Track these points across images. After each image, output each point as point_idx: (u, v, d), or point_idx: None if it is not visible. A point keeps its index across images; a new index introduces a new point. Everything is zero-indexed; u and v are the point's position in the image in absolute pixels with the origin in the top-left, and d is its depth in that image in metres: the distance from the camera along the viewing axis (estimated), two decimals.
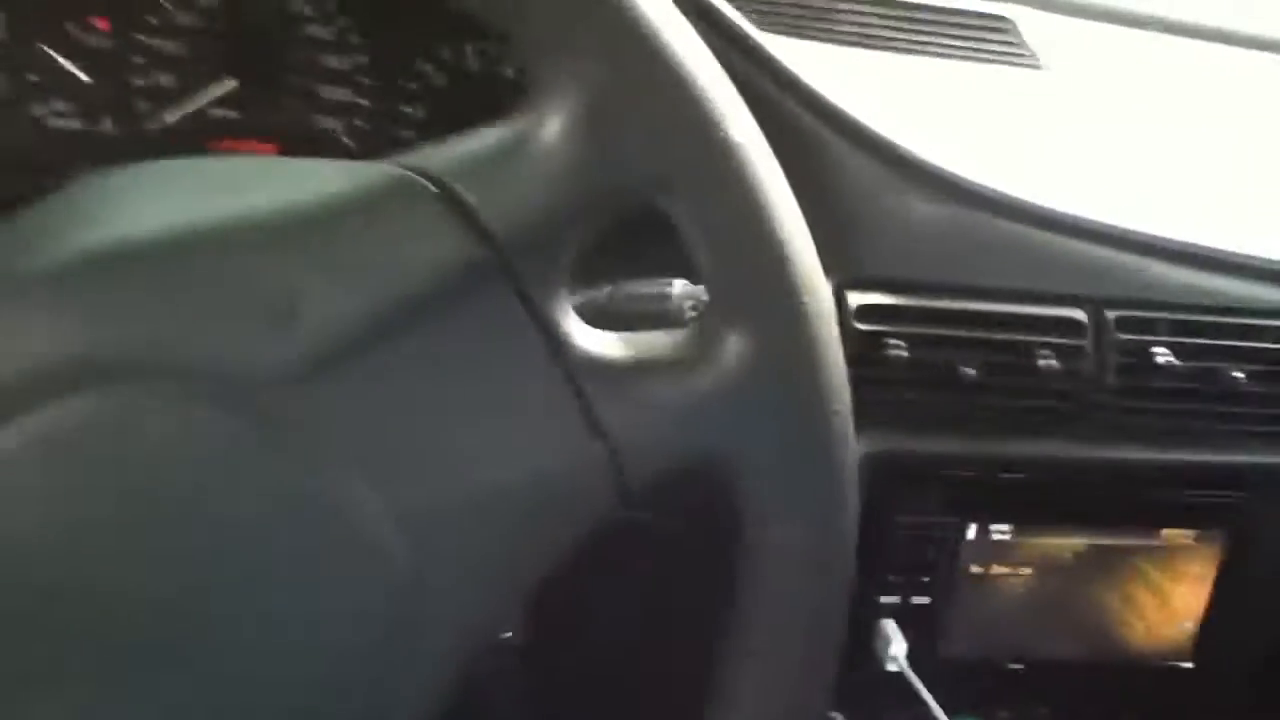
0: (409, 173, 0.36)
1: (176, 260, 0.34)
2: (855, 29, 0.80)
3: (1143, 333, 0.62)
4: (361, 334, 0.34)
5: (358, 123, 0.64)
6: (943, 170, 0.60)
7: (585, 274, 0.47)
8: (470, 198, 0.35)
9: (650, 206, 0.37)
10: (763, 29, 0.61)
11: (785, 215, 0.38)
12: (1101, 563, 0.66)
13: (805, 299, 0.38)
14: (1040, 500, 0.64)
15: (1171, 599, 0.68)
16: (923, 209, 0.60)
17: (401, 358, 0.35)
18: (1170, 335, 0.62)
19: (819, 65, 0.61)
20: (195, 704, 0.34)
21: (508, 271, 0.36)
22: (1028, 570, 0.65)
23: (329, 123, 0.64)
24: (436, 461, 0.35)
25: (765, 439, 0.38)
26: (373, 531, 0.34)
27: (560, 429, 0.37)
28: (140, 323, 0.33)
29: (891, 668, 0.65)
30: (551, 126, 0.35)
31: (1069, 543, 0.65)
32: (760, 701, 0.41)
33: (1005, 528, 0.64)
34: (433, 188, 0.35)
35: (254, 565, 0.34)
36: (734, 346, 0.37)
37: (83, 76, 0.60)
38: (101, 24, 0.61)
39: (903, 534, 0.63)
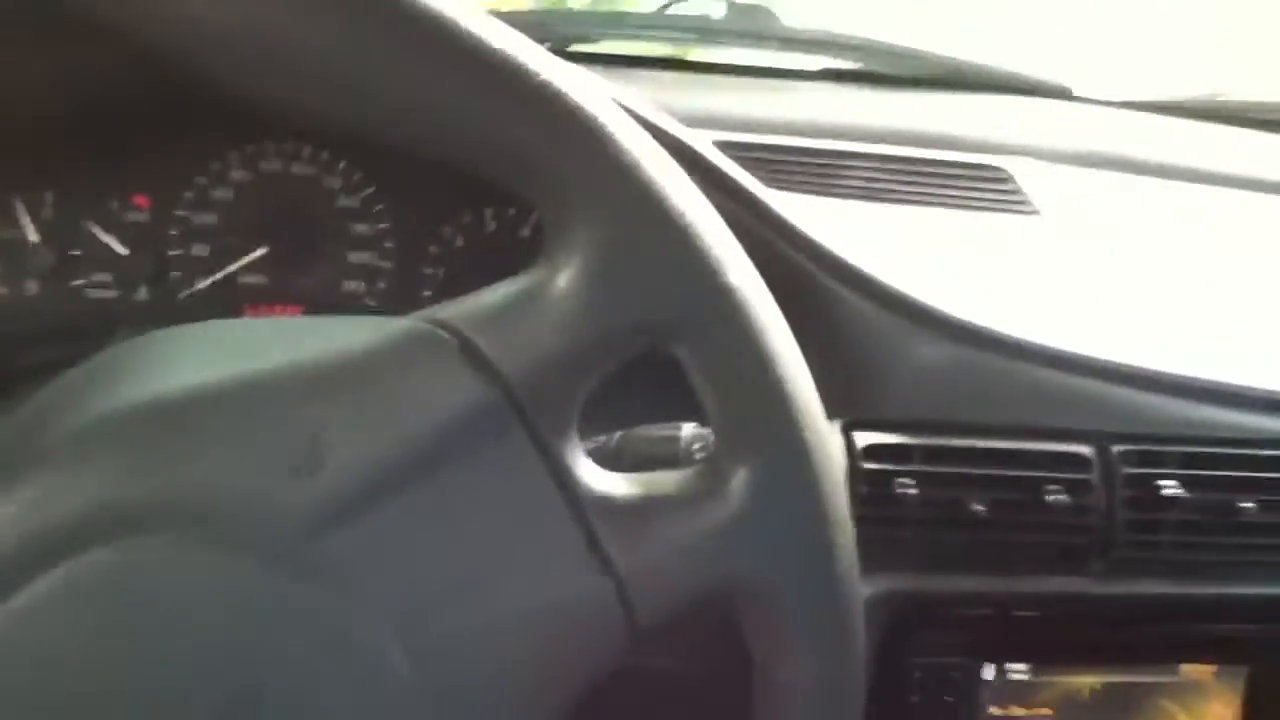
0: (429, 325, 0.38)
1: (201, 413, 0.36)
2: (858, 182, 0.84)
3: (1149, 466, 0.62)
4: (383, 480, 0.36)
5: (381, 284, 0.67)
6: (945, 313, 0.62)
7: (596, 419, 0.49)
8: (487, 347, 0.37)
9: (658, 352, 0.39)
10: (769, 185, 0.64)
11: (786, 356, 0.40)
12: (1122, 701, 0.65)
13: (807, 436, 0.39)
14: (1056, 638, 0.64)
15: None
16: (926, 351, 0.62)
17: (421, 502, 0.36)
18: (1177, 468, 0.63)
19: (823, 218, 0.64)
20: None
21: (522, 417, 0.38)
22: (1048, 711, 0.65)
23: (354, 285, 0.67)
24: (451, 599, 0.36)
25: (771, 570, 0.39)
26: (391, 668, 0.35)
27: (569, 566, 0.38)
28: (166, 474, 0.35)
29: None
30: (563, 279, 0.38)
31: (1088, 681, 0.65)
32: None
33: (1023, 667, 0.64)
34: (451, 339, 0.38)
35: (279, 707, 0.35)
36: (739, 482, 0.39)
37: (121, 249, 0.64)
38: (141, 201, 0.64)
39: (919, 675, 0.63)
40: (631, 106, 0.56)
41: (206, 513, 0.35)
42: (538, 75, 0.38)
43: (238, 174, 0.66)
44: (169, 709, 0.34)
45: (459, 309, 0.39)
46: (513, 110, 0.38)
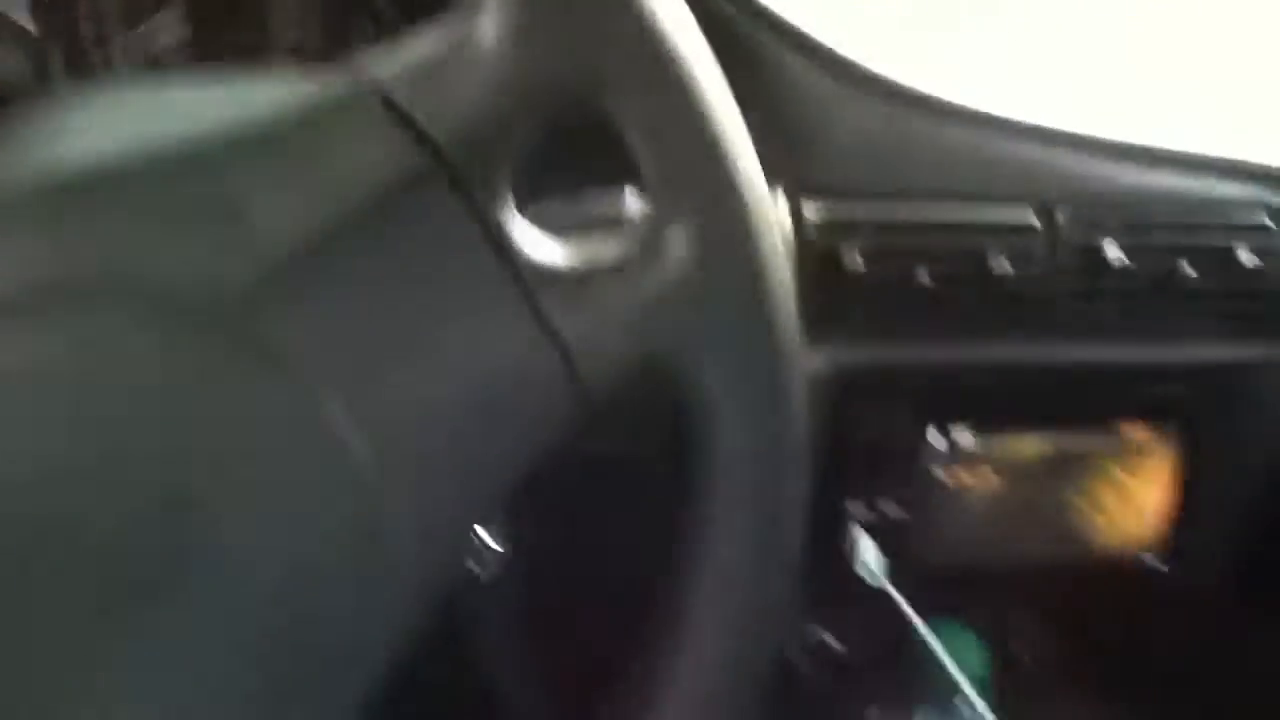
0: (351, 85, 0.36)
1: (116, 187, 0.35)
2: None
3: (1093, 231, 0.63)
4: (313, 244, 0.35)
5: (307, 40, 0.64)
6: (885, 77, 0.61)
7: (536, 187, 0.48)
8: (411, 106, 0.36)
9: (591, 107, 0.38)
10: None
11: (722, 113, 0.38)
12: (1066, 463, 0.68)
13: (743, 196, 0.39)
14: (1000, 402, 0.65)
15: (1134, 497, 0.70)
16: (868, 116, 0.61)
17: (355, 269, 0.35)
18: (1120, 233, 0.63)
19: None
20: (185, 634, 0.35)
21: (453, 179, 0.36)
22: (994, 474, 0.67)
23: (282, 40, 0.64)
24: (392, 368, 0.36)
25: (709, 331, 0.39)
26: (336, 436, 0.35)
27: (513, 331, 0.37)
28: (89, 248, 0.34)
29: (864, 576, 0.67)
30: (489, 28, 0.36)
31: (1033, 444, 0.67)
32: (724, 602, 0.42)
33: (969, 433, 0.66)
34: (374, 97, 0.36)
35: (228, 479, 0.34)
36: (677, 244, 0.38)
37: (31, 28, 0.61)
38: None
39: (868, 445, 0.64)
40: None
41: (132, 287, 0.34)
42: None
43: None
44: (108, 487, 0.33)
45: (384, 66, 0.37)
46: None
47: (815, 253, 0.60)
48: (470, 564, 0.66)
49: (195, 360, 0.34)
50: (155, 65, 0.62)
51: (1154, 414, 0.68)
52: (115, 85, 0.40)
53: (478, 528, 0.64)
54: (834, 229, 0.60)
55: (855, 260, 0.60)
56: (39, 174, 0.35)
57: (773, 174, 0.40)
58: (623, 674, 0.43)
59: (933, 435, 0.65)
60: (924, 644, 0.67)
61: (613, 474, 0.64)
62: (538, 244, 0.38)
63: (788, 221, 0.59)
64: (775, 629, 0.44)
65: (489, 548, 0.67)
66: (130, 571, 0.33)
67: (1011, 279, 0.61)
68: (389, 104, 0.36)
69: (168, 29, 0.62)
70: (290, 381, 0.35)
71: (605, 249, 0.40)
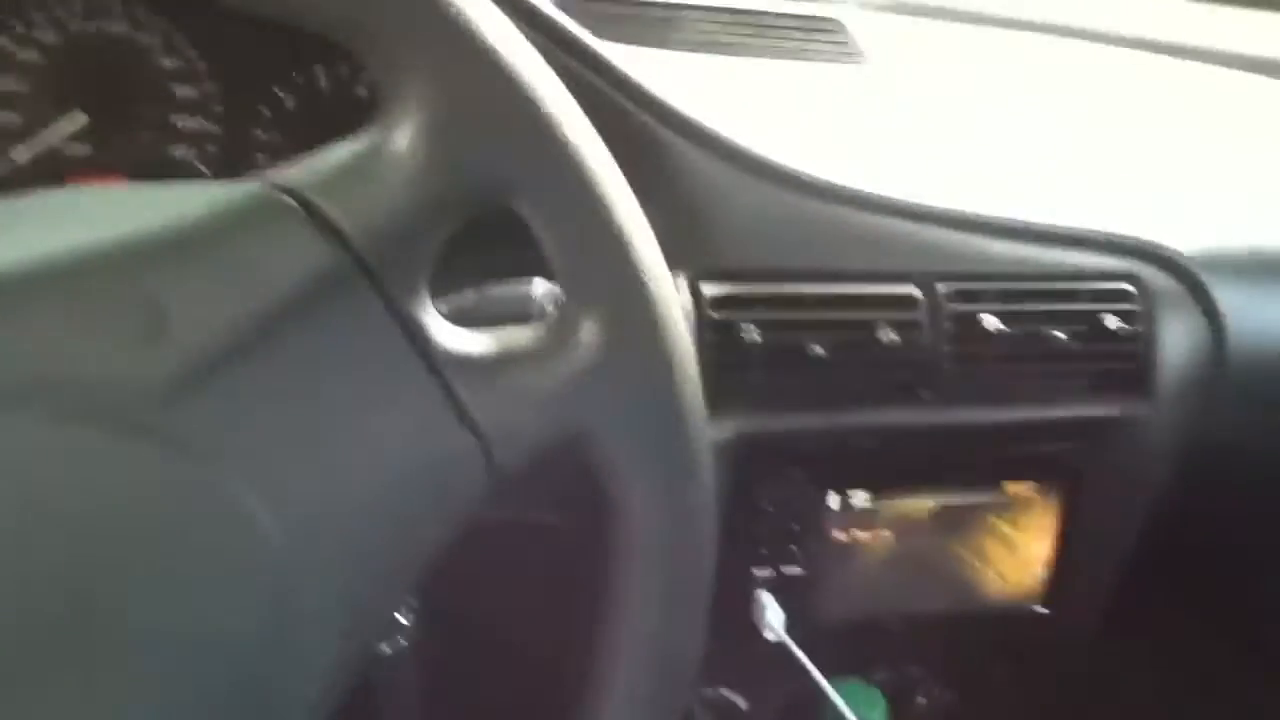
0: (269, 189, 0.37)
1: (45, 287, 0.35)
2: (692, 35, 0.84)
3: (972, 303, 0.67)
4: (231, 344, 0.36)
5: (211, 149, 0.65)
6: (777, 163, 0.64)
7: (449, 281, 0.49)
8: (328, 208, 0.37)
9: (500, 206, 0.40)
10: (600, 37, 0.64)
11: (622, 206, 0.41)
12: (955, 520, 0.71)
13: (648, 282, 0.41)
14: (893, 465, 0.69)
15: (1019, 549, 0.73)
16: (763, 201, 0.64)
17: (272, 366, 0.36)
18: (997, 303, 0.67)
19: (656, 70, 0.65)
20: (92, 711, 0.35)
21: (368, 275, 0.38)
22: (888, 533, 0.70)
23: (183, 151, 0.64)
24: (312, 460, 0.37)
25: (622, 410, 0.41)
26: (254, 531, 0.36)
27: (428, 422, 0.39)
28: (12, 350, 0.34)
29: (770, 637, 0.69)
30: (401, 137, 0.38)
31: (923, 504, 0.70)
32: (636, 666, 0.44)
33: (864, 494, 0.68)
34: (292, 201, 0.37)
35: (142, 573, 0.35)
36: (588, 330, 0.40)
37: None
38: None
39: (769, 509, 0.67)
40: None
41: (51, 385, 0.34)
42: None
43: (44, 34, 0.62)
44: (24, 580, 0.34)
45: (298, 172, 0.38)
46: None
47: (714, 328, 0.62)
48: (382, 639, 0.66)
49: (106, 453, 0.35)
50: (56, 169, 0.62)
51: (1035, 470, 0.71)
52: (26, 192, 0.40)
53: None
54: (731, 305, 0.63)
55: (751, 334, 0.62)
56: None
57: (672, 258, 0.43)
58: None
59: (830, 498, 0.68)
60: (826, 699, 0.69)
61: (523, 541, 0.65)
62: (452, 334, 0.40)
63: (688, 300, 0.61)
64: (685, 688, 0.46)
65: (397, 620, 0.67)
66: (41, 670, 0.34)
67: (898, 347, 0.65)
68: (307, 205, 0.37)
69: (68, 134, 0.62)
70: (202, 472, 0.35)
71: (517, 336, 0.41)
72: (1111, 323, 0.68)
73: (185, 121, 0.64)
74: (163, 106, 0.64)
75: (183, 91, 0.64)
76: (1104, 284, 0.70)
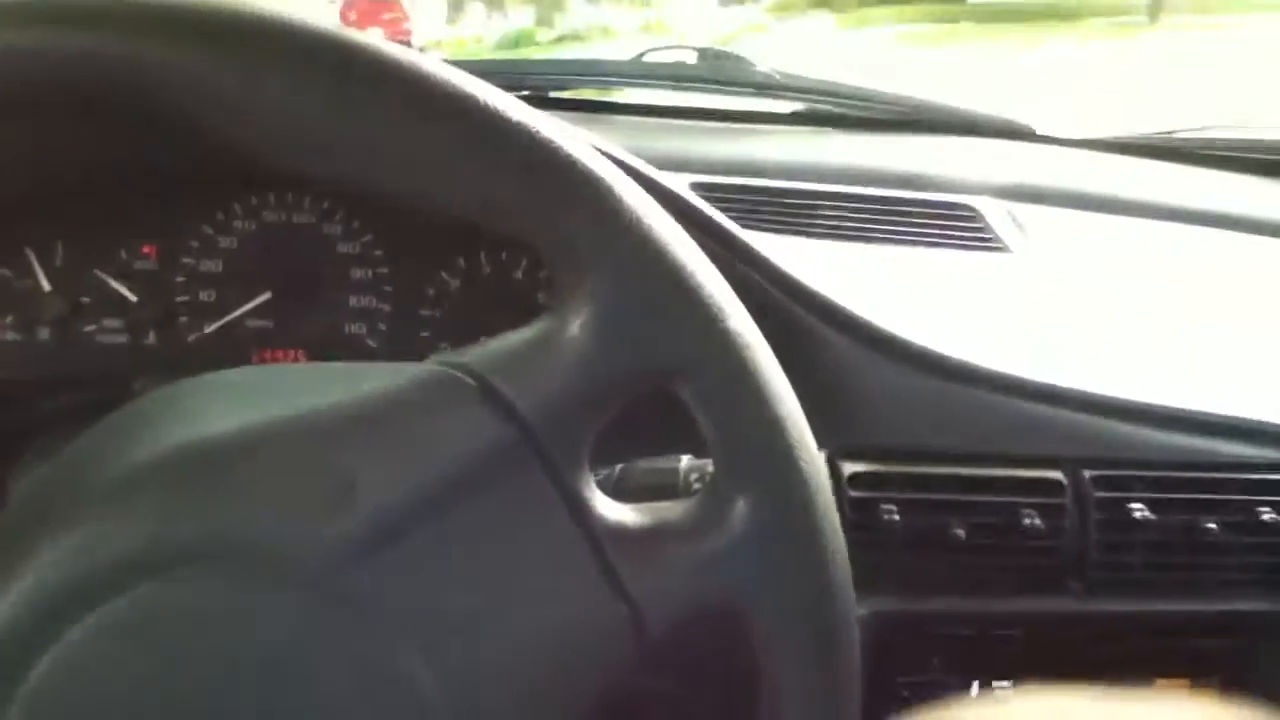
0: (450, 369, 0.41)
1: (241, 456, 0.38)
2: (830, 222, 0.87)
3: (1119, 490, 0.66)
4: (410, 515, 0.38)
5: (381, 327, 0.69)
6: (921, 346, 0.65)
7: (598, 454, 0.52)
8: (505, 390, 0.40)
9: (663, 390, 0.42)
10: (743, 226, 0.67)
11: (781, 392, 0.43)
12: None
13: (803, 465, 0.42)
14: (1037, 655, 0.67)
15: None
16: (905, 383, 0.65)
17: (445, 534, 0.39)
18: (1145, 491, 0.66)
19: (797, 257, 0.68)
20: None
21: (539, 454, 0.40)
22: None
23: (354, 328, 0.69)
24: (476, 625, 0.39)
25: (772, 591, 0.42)
26: (419, 696, 0.38)
27: (586, 589, 0.40)
28: (210, 513, 0.38)
29: None
30: (574, 327, 0.41)
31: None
32: None
33: (1006, 684, 0.67)
34: (472, 382, 0.40)
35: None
36: (742, 510, 0.42)
37: (130, 296, 0.66)
38: (149, 250, 0.67)
39: (906, 694, 0.66)
40: (616, 155, 0.59)
41: (248, 548, 0.37)
42: (540, 137, 0.41)
43: (241, 223, 0.68)
44: None
45: (478, 354, 0.42)
46: (519, 172, 0.40)
47: (853, 507, 0.63)
48: None
49: (293, 618, 0.37)
50: (240, 342, 0.68)
51: (1191, 667, 0.69)
52: (232, 369, 0.44)
53: None
54: (870, 484, 0.63)
55: (891, 514, 0.63)
56: (148, 452, 0.39)
57: (817, 437, 0.44)
58: None
59: (972, 686, 0.66)
60: None
61: (670, 712, 0.65)
62: (610, 507, 0.42)
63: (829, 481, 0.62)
64: None
65: None
66: None
67: (1042, 533, 0.64)
68: (483, 384, 0.40)
69: (253, 313, 0.68)
70: (372, 634, 0.37)
71: (672, 510, 0.43)
72: (1268, 516, 0.67)
73: (359, 300, 0.69)
74: (339, 287, 0.69)
75: (358, 274, 0.69)
76: (1261, 475, 0.68)
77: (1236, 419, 0.69)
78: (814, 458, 0.43)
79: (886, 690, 0.65)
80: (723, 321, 0.41)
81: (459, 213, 0.42)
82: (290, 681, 0.37)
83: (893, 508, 0.63)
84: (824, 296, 0.65)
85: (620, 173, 0.42)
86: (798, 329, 0.64)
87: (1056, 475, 0.65)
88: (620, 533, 0.41)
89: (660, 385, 0.42)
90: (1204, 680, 0.69)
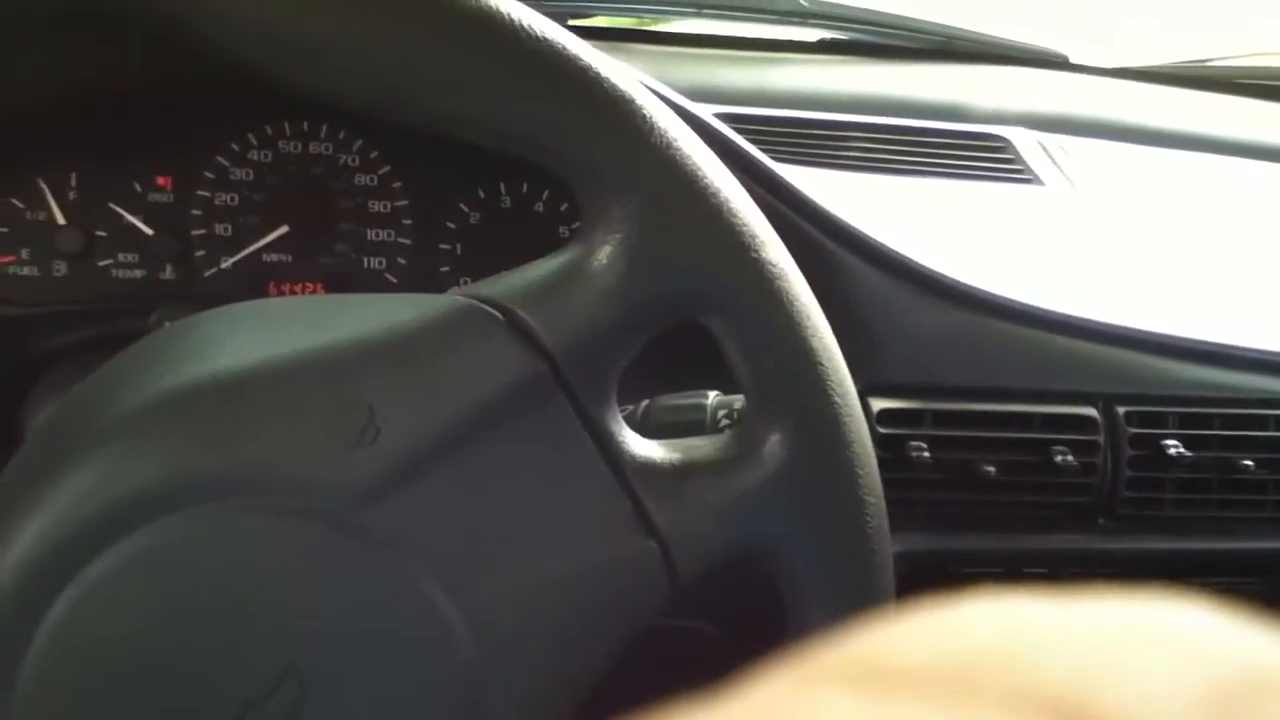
0: (475, 301, 0.40)
1: (262, 388, 0.38)
2: (858, 153, 0.85)
3: (1152, 426, 0.64)
4: (435, 450, 0.38)
5: (400, 260, 0.68)
6: (950, 279, 0.64)
7: (624, 390, 0.51)
8: (532, 322, 0.39)
9: (691, 322, 0.41)
10: (776, 159, 0.66)
11: (816, 323, 0.41)
12: None
13: (838, 400, 0.41)
14: (1065, 594, 0.66)
15: None
16: (935, 317, 0.64)
17: (471, 469, 0.38)
18: (1179, 428, 0.65)
19: (825, 188, 0.66)
20: None
21: (566, 388, 0.39)
22: None
23: (374, 262, 0.68)
24: (503, 561, 0.38)
25: (807, 530, 0.41)
26: (446, 629, 0.37)
27: (615, 527, 0.40)
28: (231, 446, 0.37)
29: None
30: (602, 256, 0.39)
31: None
32: None
33: None
34: (497, 313, 0.39)
35: (340, 664, 0.36)
36: (774, 446, 0.41)
37: (145, 229, 0.65)
38: (164, 182, 0.65)
39: None
40: (639, 78, 0.57)
41: (271, 481, 0.36)
42: (569, 57, 0.39)
43: (257, 154, 0.67)
44: (229, 666, 0.35)
45: (503, 285, 0.41)
46: (547, 94, 0.39)
47: (881, 444, 0.61)
48: None
49: (316, 554, 0.36)
50: (258, 276, 0.67)
51: (1220, 606, 0.68)
52: (253, 300, 0.43)
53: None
54: (900, 421, 0.62)
55: (921, 451, 0.61)
56: (164, 386, 0.38)
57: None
58: None
59: None
60: None
61: (696, 651, 0.65)
62: (638, 443, 0.41)
63: None
64: None
65: None
66: None
67: (1074, 470, 0.63)
68: (509, 316, 0.39)
69: (271, 247, 0.67)
70: (401, 569, 0.37)
71: (702, 446, 0.42)
72: None
73: (377, 233, 0.68)
74: (358, 220, 0.68)
75: (376, 206, 0.68)
76: None
77: (1272, 353, 0.68)
78: (849, 392, 0.42)
79: None
80: (755, 250, 0.40)
81: (480, 137, 0.41)
82: (311, 618, 0.36)
83: (923, 445, 0.62)
84: (854, 229, 0.63)
85: (652, 95, 0.40)
86: (826, 262, 0.62)
87: (1090, 411, 0.64)
88: (649, 469, 0.40)
89: (690, 316, 0.41)
90: None
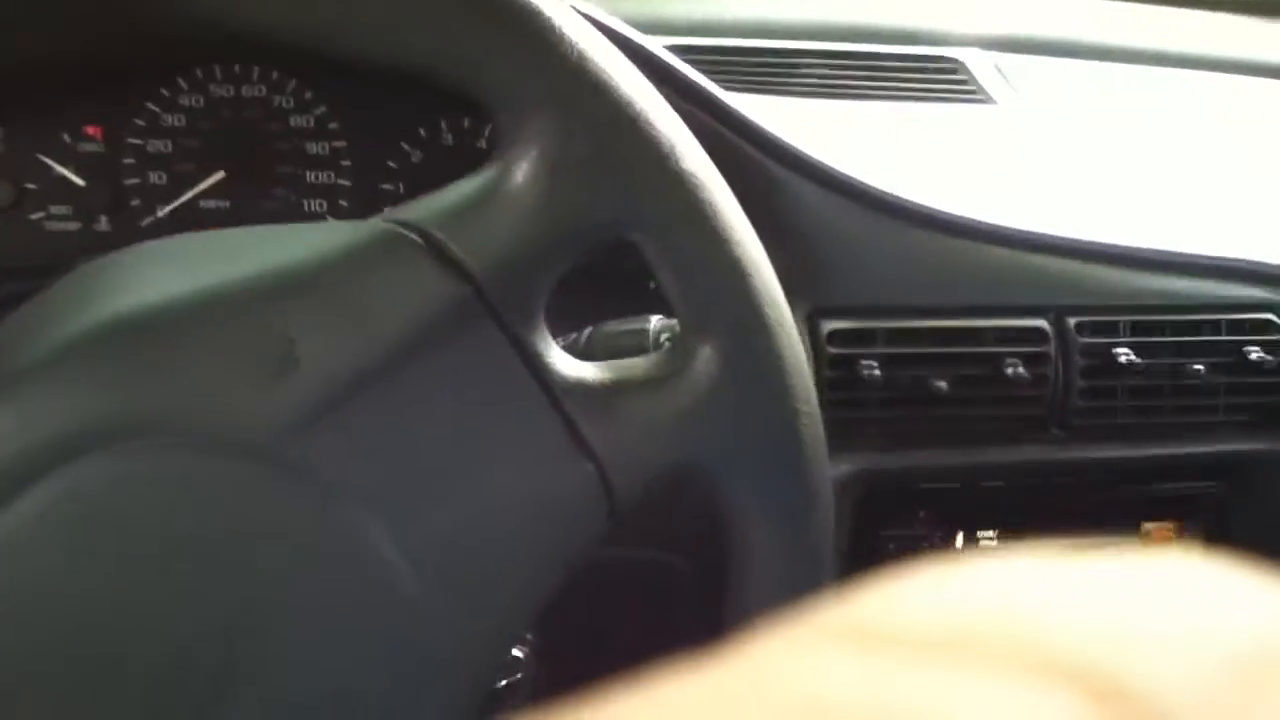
0: (393, 225, 0.39)
1: (176, 324, 0.37)
2: (811, 80, 0.84)
3: (1104, 336, 0.64)
4: (358, 379, 0.37)
5: (342, 203, 0.67)
6: (897, 198, 0.63)
7: (564, 323, 0.50)
8: (452, 245, 0.38)
9: (617, 240, 0.40)
10: (724, 87, 0.65)
11: (742, 237, 0.41)
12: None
13: (767, 311, 0.41)
14: (1022, 505, 0.66)
15: None
16: (884, 237, 0.63)
17: (397, 398, 0.37)
18: (1129, 335, 0.65)
19: (783, 117, 0.65)
20: None
21: (491, 310, 0.39)
22: None
23: (314, 205, 0.67)
24: (433, 490, 0.38)
25: (740, 441, 0.41)
26: (380, 559, 0.37)
27: (548, 449, 0.39)
28: (146, 384, 0.36)
29: None
30: (520, 174, 0.38)
31: (1054, 546, 0.67)
32: None
33: (991, 534, 0.66)
34: (415, 237, 0.38)
35: (271, 601, 0.36)
36: (705, 361, 0.40)
37: (77, 180, 0.64)
38: (94, 131, 0.64)
39: (892, 548, 0.65)
40: (581, 9, 0.56)
41: (188, 418, 0.36)
42: None
43: (188, 99, 0.65)
44: (155, 611, 0.35)
45: (421, 209, 0.40)
46: (460, 10, 0.38)
47: (832, 364, 0.61)
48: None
49: (242, 491, 0.36)
50: (196, 222, 0.65)
51: (1175, 509, 0.68)
52: (165, 238, 0.42)
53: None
54: (850, 341, 0.62)
55: (872, 370, 0.61)
56: (73, 329, 0.37)
57: (790, 294, 0.43)
58: None
59: (957, 539, 0.66)
60: None
61: (638, 577, 0.65)
62: (569, 364, 0.40)
63: (807, 338, 0.61)
64: None
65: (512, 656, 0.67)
66: (177, 698, 0.35)
67: (1026, 382, 0.63)
68: (428, 239, 0.38)
69: (208, 193, 0.65)
70: (330, 502, 0.36)
71: (634, 366, 0.42)
72: (1254, 355, 0.65)
73: (316, 176, 0.67)
74: (296, 163, 0.66)
75: (315, 148, 0.67)
76: (1245, 315, 0.67)
77: (1222, 259, 0.68)
78: (782, 306, 0.42)
79: (871, 544, 0.65)
80: (675, 161, 0.39)
81: (404, 60, 0.40)
82: (239, 556, 0.36)
83: (873, 364, 0.61)
84: (802, 152, 0.62)
85: (565, 8, 0.39)
86: (771, 183, 0.62)
87: (1040, 323, 0.64)
88: (580, 388, 0.40)
89: (616, 234, 0.40)
90: (1189, 524, 0.69)
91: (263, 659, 0.36)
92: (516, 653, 0.62)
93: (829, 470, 0.43)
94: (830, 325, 0.62)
